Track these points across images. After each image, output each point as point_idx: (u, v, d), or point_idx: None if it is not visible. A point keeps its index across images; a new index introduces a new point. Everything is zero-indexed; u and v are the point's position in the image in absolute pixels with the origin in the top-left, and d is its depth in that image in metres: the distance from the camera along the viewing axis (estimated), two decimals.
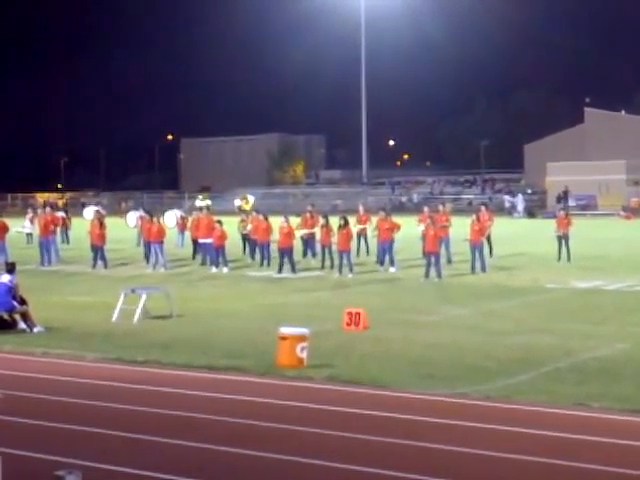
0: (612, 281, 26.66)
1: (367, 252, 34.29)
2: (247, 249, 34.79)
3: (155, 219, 32.61)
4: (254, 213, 36.15)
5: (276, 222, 31.07)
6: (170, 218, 40.92)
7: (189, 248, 36.01)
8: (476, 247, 29.36)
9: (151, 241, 32.03)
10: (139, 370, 15.13)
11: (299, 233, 32.51)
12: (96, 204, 56.60)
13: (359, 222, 34.58)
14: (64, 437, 11.25)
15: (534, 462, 10.11)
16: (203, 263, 32.61)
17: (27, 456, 10.32)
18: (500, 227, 39.61)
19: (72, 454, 10.27)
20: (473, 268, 29.04)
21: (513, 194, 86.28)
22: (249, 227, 34.01)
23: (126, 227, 43.59)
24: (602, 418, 11.88)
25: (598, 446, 10.72)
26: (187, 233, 38.15)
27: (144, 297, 20.09)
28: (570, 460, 10.11)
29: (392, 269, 29.83)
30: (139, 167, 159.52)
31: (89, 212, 45.35)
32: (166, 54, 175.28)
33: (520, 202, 78.51)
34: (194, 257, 34.52)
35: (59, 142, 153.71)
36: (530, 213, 75.33)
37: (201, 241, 32.91)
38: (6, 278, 19.12)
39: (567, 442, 10.88)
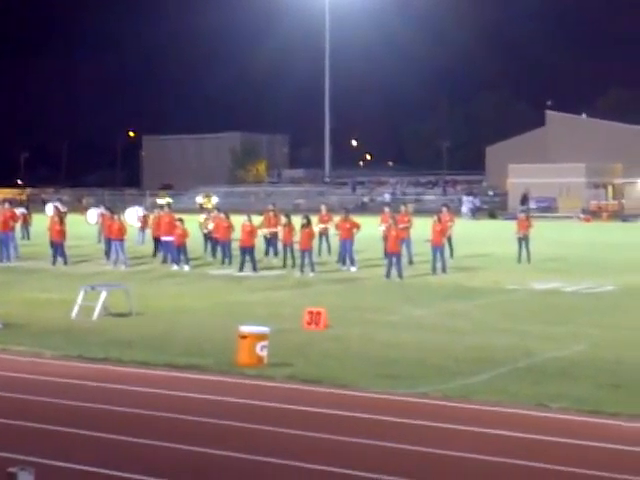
0: (571, 283, 26.88)
1: (329, 251, 34.37)
2: (208, 247, 34.70)
3: (116, 216, 32.42)
4: (215, 211, 36.04)
5: (238, 221, 31.01)
6: (131, 215, 40.66)
7: (150, 245, 35.85)
8: (437, 248, 29.47)
9: (112, 238, 31.86)
10: (99, 368, 15.03)
11: (262, 232, 32.50)
12: (57, 200, 56.15)
13: (321, 221, 34.61)
14: (20, 434, 11.15)
15: (492, 462, 10.17)
16: (164, 261, 32.47)
17: None
18: (461, 228, 39.79)
19: (27, 451, 10.18)
20: (434, 269, 29.15)
21: (474, 195, 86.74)
22: (210, 226, 33.91)
23: (86, 224, 43.30)
24: (560, 418, 11.97)
25: (556, 446, 10.80)
26: (148, 231, 37.98)
27: (104, 294, 19.97)
28: (528, 460, 10.17)
29: (352, 268, 29.89)
30: (100, 164, 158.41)
31: (50, 208, 44.96)
32: (128, 51, 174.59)
33: (466, 203, 78.90)
34: (155, 255, 34.36)
35: (20, 138, 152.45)
36: (492, 214, 75.92)
37: (162, 239, 32.74)
38: None
39: (525, 442, 10.94)
